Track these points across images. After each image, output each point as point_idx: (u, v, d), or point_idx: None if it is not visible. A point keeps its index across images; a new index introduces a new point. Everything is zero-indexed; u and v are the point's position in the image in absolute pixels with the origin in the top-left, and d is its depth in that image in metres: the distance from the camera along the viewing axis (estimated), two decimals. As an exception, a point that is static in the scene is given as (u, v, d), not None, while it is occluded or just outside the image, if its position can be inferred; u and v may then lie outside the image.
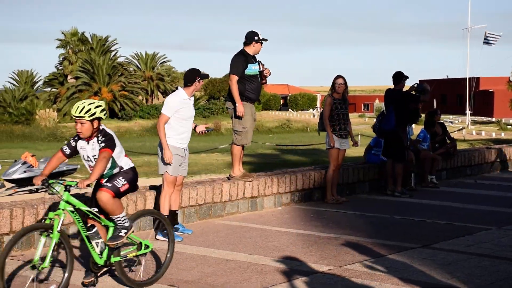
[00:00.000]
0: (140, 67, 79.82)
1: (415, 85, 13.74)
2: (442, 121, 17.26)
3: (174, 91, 9.91)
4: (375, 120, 15.03)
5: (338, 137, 12.39)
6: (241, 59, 11.10)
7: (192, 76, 9.67)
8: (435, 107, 15.92)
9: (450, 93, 75.28)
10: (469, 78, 56.77)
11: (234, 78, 11.03)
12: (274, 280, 7.44)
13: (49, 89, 75.96)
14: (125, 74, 74.45)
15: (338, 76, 12.48)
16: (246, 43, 11.28)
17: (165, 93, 72.33)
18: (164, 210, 9.57)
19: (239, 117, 11.06)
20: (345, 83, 12.48)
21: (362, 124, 59.88)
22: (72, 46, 76.66)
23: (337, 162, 12.53)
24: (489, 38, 52.96)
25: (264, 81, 11.42)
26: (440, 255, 8.65)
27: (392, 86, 13.69)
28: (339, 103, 12.45)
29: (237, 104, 10.94)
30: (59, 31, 77.00)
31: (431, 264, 8.10)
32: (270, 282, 7.35)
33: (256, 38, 11.19)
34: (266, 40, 11.31)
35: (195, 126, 10.03)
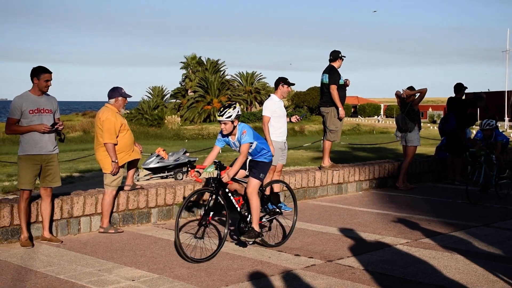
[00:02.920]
0: (242, 83, 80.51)
1: (475, 93, 13.56)
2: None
3: (267, 99, 9.96)
4: (438, 123, 14.70)
5: None
6: (337, 72, 11.12)
7: (277, 82, 9.73)
8: (478, 115, 15.46)
9: (491, 103, 73.93)
10: (507, 91, 55.55)
11: (335, 87, 11.03)
12: (363, 249, 7.36)
13: (174, 100, 77.71)
14: (230, 89, 75.44)
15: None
16: (332, 60, 11.26)
17: (261, 103, 73.10)
18: (266, 191, 9.63)
19: (339, 119, 11.15)
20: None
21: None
22: (191, 67, 78.19)
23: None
24: None
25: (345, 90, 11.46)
26: (499, 232, 8.37)
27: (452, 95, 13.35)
28: None
29: (339, 108, 11.06)
30: (183, 56, 78.38)
31: (491, 239, 7.84)
32: (361, 250, 7.27)
33: (340, 55, 11.22)
34: (345, 57, 11.33)
35: (290, 119, 10.08)
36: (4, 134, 50.44)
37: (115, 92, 8.41)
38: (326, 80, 11.12)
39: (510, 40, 61.25)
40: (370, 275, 6.21)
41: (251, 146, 7.28)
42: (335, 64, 11.21)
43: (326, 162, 11.55)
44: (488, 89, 60.21)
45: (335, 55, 11.23)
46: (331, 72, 11.08)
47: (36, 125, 7.39)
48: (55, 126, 7.52)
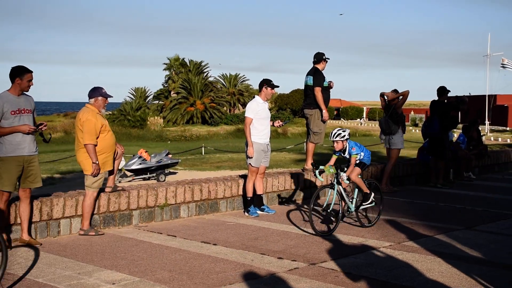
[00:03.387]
0: (225, 84, 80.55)
1: (457, 97, 13.65)
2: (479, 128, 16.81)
3: (251, 100, 9.99)
4: (421, 126, 14.76)
5: None
6: (322, 74, 11.13)
7: (261, 84, 9.83)
8: (460, 118, 15.33)
9: (472, 107, 74.87)
10: (488, 95, 56.05)
11: (319, 89, 11.03)
12: (347, 252, 7.35)
13: (157, 101, 77.69)
14: (214, 90, 75.33)
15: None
16: (316, 62, 11.27)
17: (244, 105, 73.25)
18: (249, 193, 9.76)
19: (323, 121, 11.22)
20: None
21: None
22: (174, 69, 78.16)
23: None
24: (505, 64, 52.07)
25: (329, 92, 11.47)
26: (481, 235, 8.39)
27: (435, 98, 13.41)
28: None
29: (323, 110, 11.11)
30: (165, 57, 78.05)
31: (473, 242, 7.85)
32: (344, 253, 7.26)
33: (324, 57, 11.24)
34: (329, 59, 11.35)
35: (273, 123, 10.06)
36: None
37: (95, 92, 8.37)
38: (311, 82, 11.10)
39: (491, 45, 62.26)
40: (353, 279, 6.19)
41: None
42: (319, 66, 11.20)
43: (309, 164, 11.51)
44: (470, 93, 60.99)
45: (319, 57, 11.22)
46: (316, 74, 11.06)
47: (20, 126, 7.31)
48: (39, 128, 7.46)
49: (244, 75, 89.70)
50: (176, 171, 21.77)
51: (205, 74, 78.19)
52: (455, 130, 14.63)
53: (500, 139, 49.41)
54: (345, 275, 6.31)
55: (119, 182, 17.80)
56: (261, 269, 6.54)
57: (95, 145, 8.09)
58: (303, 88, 11.57)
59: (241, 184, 10.21)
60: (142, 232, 8.43)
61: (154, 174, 20.21)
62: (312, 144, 11.45)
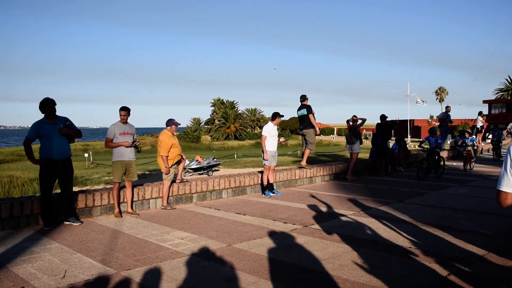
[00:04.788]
0: (248, 114, 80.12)
1: (392, 120, 13.62)
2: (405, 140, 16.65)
3: (266, 124, 9.92)
4: (371, 139, 14.71)
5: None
6: (310, 107, 11.11)
7: (275, 114, 9.74)
8: (393, 134, 15.37)
9: (400, 127, 74.65)
10: (409, 120, 56.26)
11: (312, 115, 10.98)
12: (327, 218, 7.33)
13: (207, 126, 77.49)
14: (241, 118, 75.12)
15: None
16: (303, 100, 11.19)
17: (261, 128, 72.75)
18: (264, 182, 9.66)
19: (316, 135, 11.15)
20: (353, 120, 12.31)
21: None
22: (217, 105, 77.99)
23: None
24: (417, 101, 52.31)
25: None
26: (407, 206, 8.28)
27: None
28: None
29: (316, 128, 11.09)
30: (212, 98, 78.36)
31: (402, 210, 7.79)
32: (326, 219, 7.24)
33: (307, 96, 11.20)
34: (308, 98, 11.24)
35: (279, 139, 10.04)
36: (103, 148, 51.34)
37: (170, 122, 8.46)
38: (305, 112, 11.12)
39: (410, 89, 62.28)
40: (330, 234, 6.21)
41: None
42: (306, 102, 11.24)
43: (304, 163, 11.58)
44: (398, 119, 61.37)
45: (305, 97, 11.21)
46: (308, 107, 11.10)
47: (122, 142, 7.46)
48: (134, 143, 7.61)
49: (260, 108, 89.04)
50: (219, 169, 21.90)
51: (236, 108, 77.92)
52: (390, 140, 14.51)
53: (417, 146, 49.03)
54: (325, 232, 6.32)
55: (184, 176, 17.99)
56: (273, 229, 6.55)
57: (167, 156, 8.19)
58: (297, 116, 11.57)
59: (260, 177, 10.18)
60: (199, 207, 8.46)
61: (206, 171, 20.38)
62: (308, 150, 11.43)
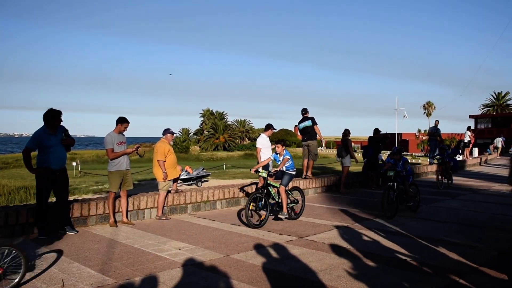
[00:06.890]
0: (237, 126, 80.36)
1: (383, 134, 13.85)
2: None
3: (258, 136, 9.99)
4: (362, 151, 14.87)
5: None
6: (314, 118, 11.38)
7: (268, 127, 9.86)
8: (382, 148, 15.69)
9: (389, 140, 76.48)
10: (397, 133, 56.96)
11: (317, 126, 11.30)
12: (321, 229, 7.39)
13: (196, 136, 77.37)
14: (230, 129, 75.26)
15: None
16: (304, 113, 11.51)
17: (249, 139, 72.90)
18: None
19: (320, 146, 11.33)
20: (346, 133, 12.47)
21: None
22: (206, 116, 78.08)
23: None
24: (405, 115, 53.45)
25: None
26: (399, 219, 8.31)
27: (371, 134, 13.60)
28: None
29: (322, 139, 11.37)
30: (201, 109, 78.37)
31: (396, 223, 7.87)
32: (321, 230, 7.30)
33: (307, 110, 11.43)
34: (308, 110, 11.52)
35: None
36: (91, 157, 51.23)
37: (166, 131, 8.50)
38: (310, 123, 11.32)
39: (398, 103, 63.46)
40: (326, 246, 6.26)
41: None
42: (307, 115, 11.50)
43: (309, 173, 11.77)
44: (387, 132, 62.32)
45: (306, 110, 11.57)
46: (312, 119, 11.37)
47: (127, 150, 7.47)
48: (136, 148, 7.61)
49: (249, 120, 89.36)
50: (208, 180, 21.87)
51: (225, 119, 78.13)
52: (381, 153, 14.67)
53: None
54: (321, 244, 6.37)
55: (180, 186, 17.92)
56: (269, 240, 6.58)
57: (164, 161, 8.19)
58: (287, 127, 11.94)
59: (254, 188, 10.10)
60: (194, 217, 8.45)
61: (195, 182, 20.33)
62: (312, 161, 11.62)
